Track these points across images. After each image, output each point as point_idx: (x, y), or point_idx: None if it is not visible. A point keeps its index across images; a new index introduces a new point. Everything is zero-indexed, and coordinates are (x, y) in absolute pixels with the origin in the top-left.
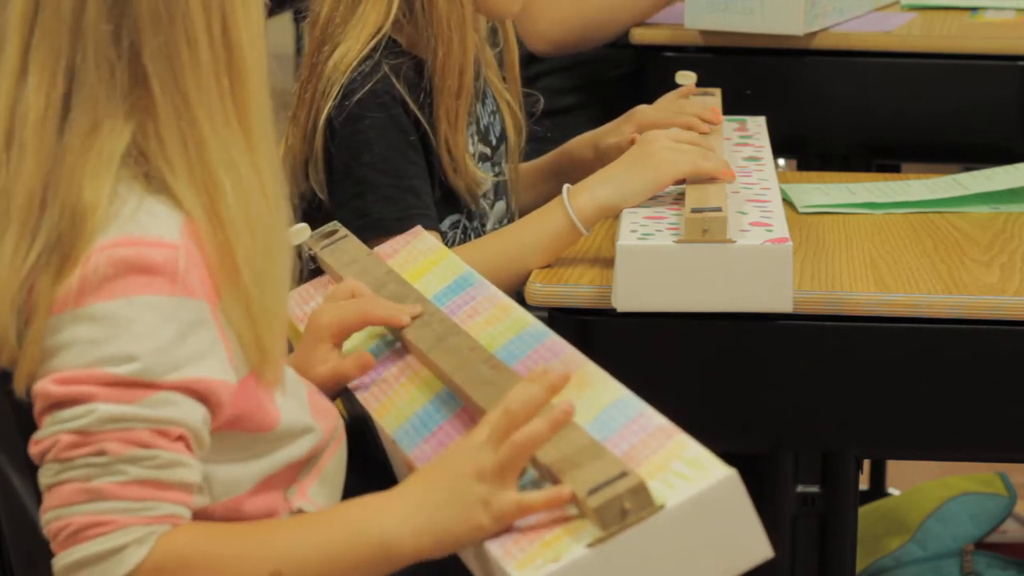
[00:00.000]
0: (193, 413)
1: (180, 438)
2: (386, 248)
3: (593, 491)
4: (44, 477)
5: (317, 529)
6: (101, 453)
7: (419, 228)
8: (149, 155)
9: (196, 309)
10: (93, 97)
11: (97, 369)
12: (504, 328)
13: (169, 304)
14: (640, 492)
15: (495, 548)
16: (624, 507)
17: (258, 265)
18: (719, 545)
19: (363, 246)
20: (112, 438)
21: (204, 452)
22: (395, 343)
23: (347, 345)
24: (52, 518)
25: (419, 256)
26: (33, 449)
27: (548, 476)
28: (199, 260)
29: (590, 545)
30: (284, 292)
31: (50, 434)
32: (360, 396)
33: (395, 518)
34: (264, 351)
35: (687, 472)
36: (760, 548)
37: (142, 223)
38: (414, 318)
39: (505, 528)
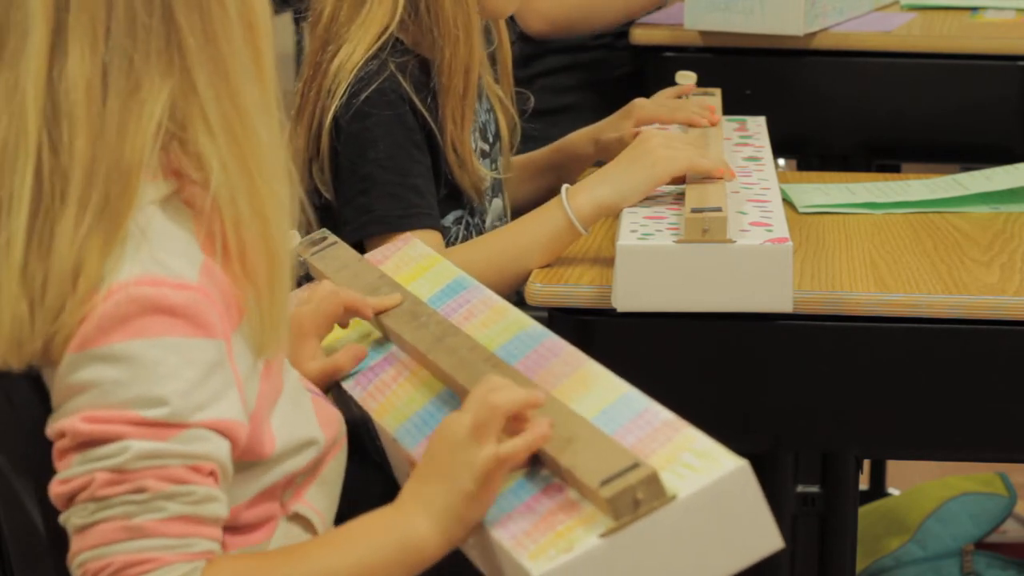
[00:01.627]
0: (221, 448)
1: (211, 473)
2: (376, 255)
3: (605, 482)
4: (77, 517)
5: (344, 543)
6: (140, 490)
7: (409, 235)
8: (186, 116)
9: (215, 349)
10: (128, 59)
11: (127, 411)
12: (501, 329)
13: (190, 346)
14: (652, 483)
15: (506, 539)
16: (637, 497)
17: (282, 221)
18: (730, 536)
19: (354, 252)
20: (149, 475)
21: (228, 485)
22: (390, 346)
23: (341, 341)
24: (90, 558)
25: (411, 262)
26: (60, 489)
27: (557, 470)
28: (216, 299)
29: (603, 535)
30: (291, 257)
31: (82, 472)
32: (358, 397)
33: (408, 519)
34: (273, 322)
35: (697, 464)
36: (771, 539)
37: (163, 262)
38: (390, 308)
39: (493, 487)
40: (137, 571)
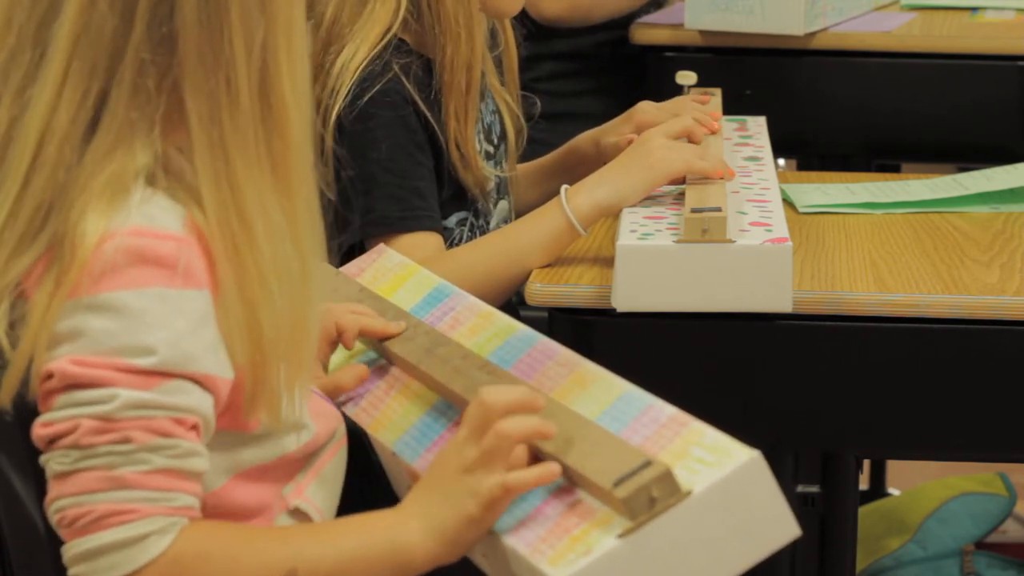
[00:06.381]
0: (205, 402)
1: (194, 427)
2: (351, 268)
3: (619, 482)
4: (58, 463)
5: (331, 534)
6: (125, 441)
7: (383, 245)
8: (182, 184)
9: (202, 300)
10: (121, 123)
11: (115, 358)
12: (490, 335)
13: (178, 296)
14: (667, 480)
15: (522, 547)
16: (652, 496)
17: (280, 318)
18: (747, 527)
19: (330, 267)
20: (135, 426)
21: (209, 439)
22: (378, 359)
23: (332, 362)
24: (70, 504)
25: (388, 273)
26: (43, 431)
27: (569, 474)
28: (200, 253)
29: (620, 536)
30: (312, 343)
31: (68, 417)
32: (351, 413)
33: (403, 525)
34: (266, 391)
35: (709, 458)
36: (787, 528)
37: (149, 214)
38: (391, 335)
39: (496, 514)
40: (117, 520)
